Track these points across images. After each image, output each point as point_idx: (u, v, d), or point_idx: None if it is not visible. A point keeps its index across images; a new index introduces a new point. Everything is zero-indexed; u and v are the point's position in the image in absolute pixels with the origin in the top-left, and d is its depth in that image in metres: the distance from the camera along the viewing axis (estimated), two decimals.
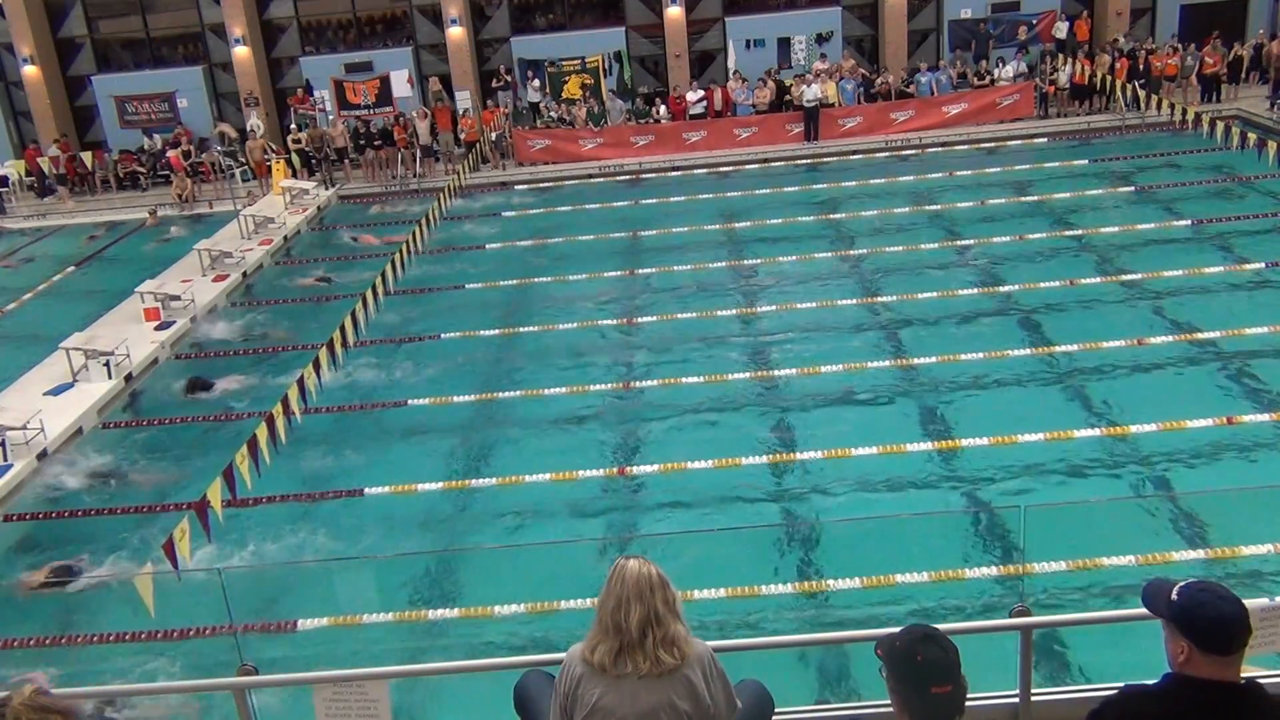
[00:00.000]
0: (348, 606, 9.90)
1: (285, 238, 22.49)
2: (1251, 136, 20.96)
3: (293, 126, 27.51)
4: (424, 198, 24.07)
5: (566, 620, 9.40)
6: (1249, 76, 25.84)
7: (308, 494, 12.17)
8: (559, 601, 9.63)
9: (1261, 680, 3.30)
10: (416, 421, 13.78)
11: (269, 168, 25.66)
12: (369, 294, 16.45)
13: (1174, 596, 3.17)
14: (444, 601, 9.97)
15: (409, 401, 14.19)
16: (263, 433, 11.66)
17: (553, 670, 4.13)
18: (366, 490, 11.97)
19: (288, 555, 10.87)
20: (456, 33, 28.26)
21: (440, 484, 12.01)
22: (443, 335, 16.41)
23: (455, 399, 14.21)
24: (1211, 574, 8.90)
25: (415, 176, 25.87)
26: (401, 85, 28.61)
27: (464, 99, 28.15)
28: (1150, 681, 3.32)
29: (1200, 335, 13.97)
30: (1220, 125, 21.69)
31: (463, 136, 26.55)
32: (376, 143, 26.20)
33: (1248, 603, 3.21)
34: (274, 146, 27.21)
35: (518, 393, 14.23)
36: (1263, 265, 16.09)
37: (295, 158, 26.52)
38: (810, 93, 25.37)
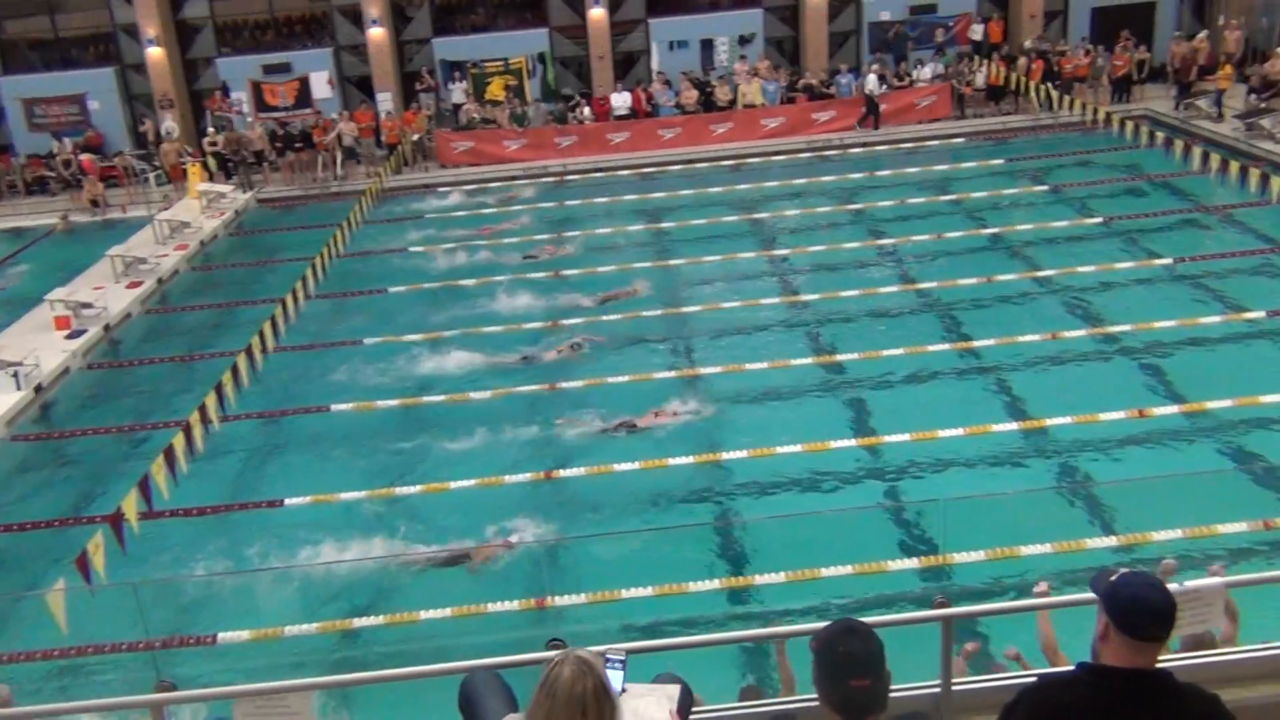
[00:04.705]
0: (270, 618, 9.73)
1: (202, 242, 22.01)
2: (1159, 136, 21.60)
3: (209, 129, 26.93)
4: (345, 200, 23.69)
5: (499, 623, 9.35)
6: (1157, 76, 26.60)
7: (227, 505, 11.93)
8: (487, 604, 9.58)
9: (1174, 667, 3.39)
10: (340, 428, 13.59)
11: (184, 171, 25.08)
12: (289, 299, 16.20)
13: (1112, 579, 3.26)
14: (370, 610, 9.84)
15: (331, 407, 13.98)
16: (180, 442, 11.41)
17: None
18: (287, 500, 11.77)
19: (207, 567, 10.65)
20: (377, 34, 27.92)
21: (364, 492, 11.85)
22: (365, 340, 16.19)
23: (379, 404, 14.03)
24: (1124, 560, 9.17)
25: (336, 179, 25.51)
26: (321, 87, 28.18)
27: (385, 101, 27.81)
28: (1067, 668, 3.39)
29: (1112, 329, 14.34)
30: (1130, 125, 22.32)
31: (384, 138, 26.24)
32: (297, 145, 25.76)
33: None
34: (190, 150, 26.60)
35: (442, 397, 14.10)
36: (1171, 260, 16.57)
37: (212, 161, 25.95)
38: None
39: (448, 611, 9.61)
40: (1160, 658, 3.29)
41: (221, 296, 19.44)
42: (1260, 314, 14.31)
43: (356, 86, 29.00)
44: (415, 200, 24.33)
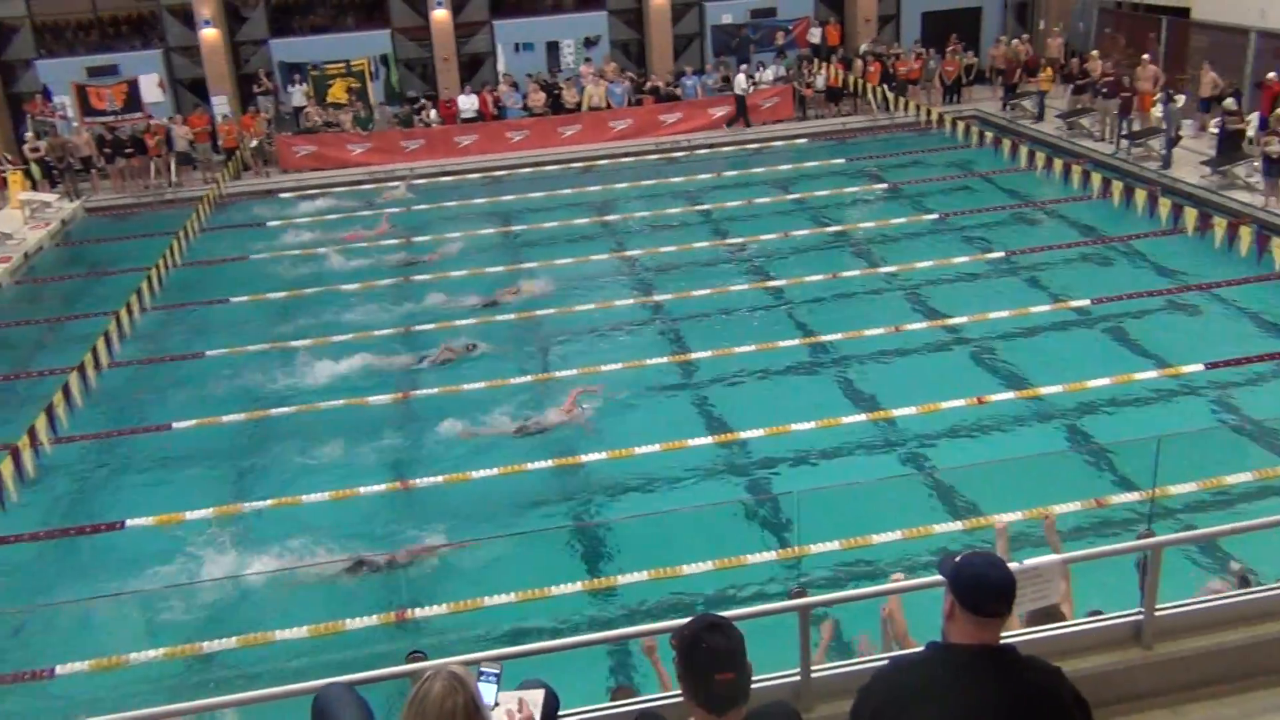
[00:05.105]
0: (113, 646, 9.26)
1: (26, 255, 20.81)
2: (988, 135, 22.65)
3: (29, 134, 25.44)
4: (181, 208, 22.72)
5: (357, 639, 9.14)
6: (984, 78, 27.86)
7: (62, 529, 11.32)
8: (345, 621, 9.34)
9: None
10: (182, 445, 13.04)
11: (4, 179, 23.66)
12: (124, 312, 15.48)
13: (957, 560, 3.38)
14: (220, 632, 9.47)
15: (172, 425, 13.40)
16: (7, 467, 10.78)
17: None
18: (128, 522, 11.24)
19: (42, 596, 10.08)
20: (210, 34, 26.90)
21: (210, 510, 11.40)
22: (207, 353, 15.60)
23: (224, 419, 13.52)
24: (971, 542, 9.56)
25: (170, 186, 24.48)
26: (152, 90, 26.97)
27: (221, 104, 26.82)
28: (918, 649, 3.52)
29: (951, 321, 14.94)
30: (960, 125, 23.34)
31: (221, 143, 25.32)
32: (127, 151, 24.61)
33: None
34: (9, 157, 25.11)
35: (290, 409, 13.68)
36: (1002, 254, 17.38)
37: (35, 168, 24.55)
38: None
39: (304, 630, 9.33)
40: (1006, 633, 3.45)
41: (49, 311, 18.44)
42: (1085, 302, 15.14)
43: (190, 89, 27.91)
44: (257, 206, 23.56)
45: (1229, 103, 19.46)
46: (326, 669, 8.04)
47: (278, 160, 25.56)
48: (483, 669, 3.57)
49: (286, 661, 9.02)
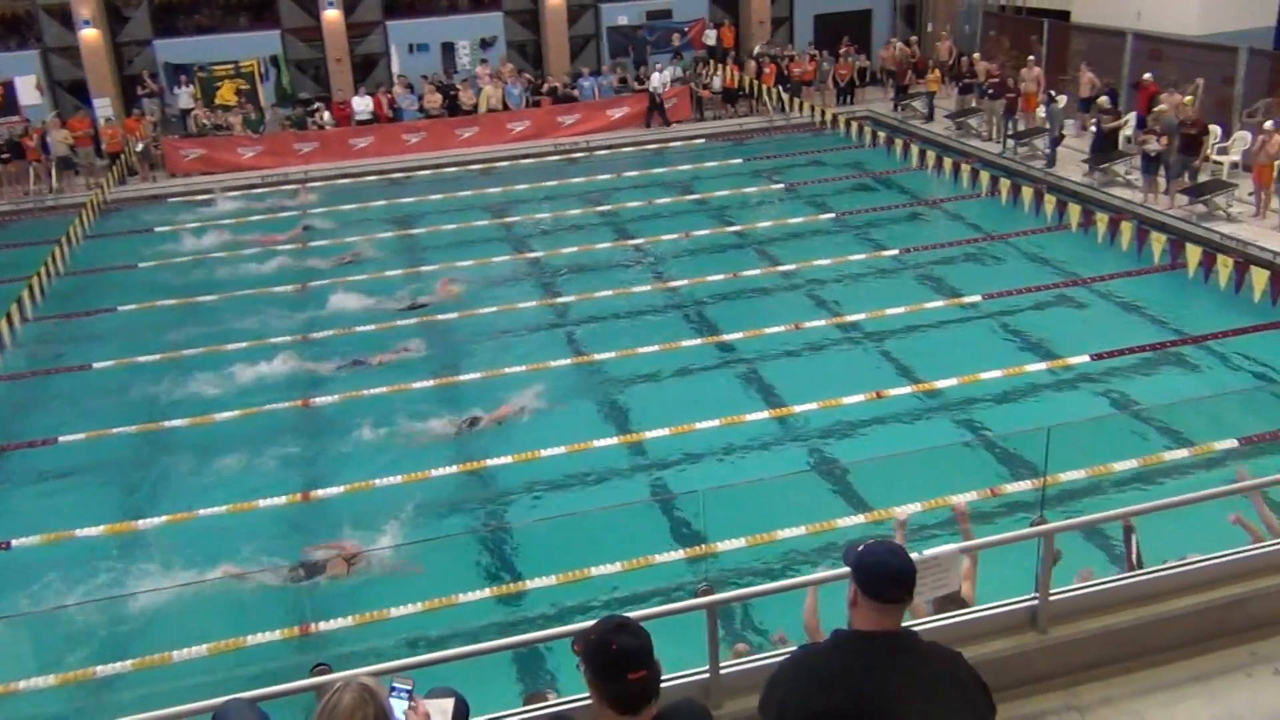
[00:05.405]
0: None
1: None
2: (881, 135, 23.14)
3: None
4: (63, 215, 21.87)
5: (259, 654, 8.93)
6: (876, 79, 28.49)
7: None
8: (245, 637, 9.12)
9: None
10: (69, 460, 12.59)
11: None
12: (3, 323, 14.88)
13: (859, 549, 3.46)
14: (115, 655, 9.16)
15: (59, 439, 12.92)
16: None
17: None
18: (14, 541, 10.81)
19: None
20: (90, 35, 25.94)
21: (102, 527, 11.03)
22: (95, 365, 15.08)
23: (114, 431, 13.09)
24: (875, 534, 9.74)
25: (51, 192, 23.57)
26: (29, 92, 25.94)
27: (104, 107, 25.89)
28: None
29: (849, 318, 15.23)
30: (854, 125, 23.80)
31: (105, 147, 24.47)
32: (3, 156, 23.61)
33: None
34: None
35: (184, 421, 13.29)
36: (897, 251, 17.77)
37: None
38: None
39: (204, 649, 9.07)
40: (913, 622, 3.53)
41: None
42: (977, 297, 15.56)
43: (70, 92, 26.88)
44: (144, 212, 22.82)
45: (1102, 101, 20.22)
46: (227, 686, 7.86)
47: (165, 164, 24.81)
48: (394, 684, 3.53)
49: (184, 680, 8.76)
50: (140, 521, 11.20)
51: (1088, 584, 5.59)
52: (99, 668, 8.96)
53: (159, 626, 9.44)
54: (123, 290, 18.06)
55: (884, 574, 3.38)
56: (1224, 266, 14.45)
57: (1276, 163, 16.51)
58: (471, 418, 12.70)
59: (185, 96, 26.19)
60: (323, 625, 9.28)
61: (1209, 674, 5.30)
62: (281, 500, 11.38)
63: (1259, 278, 13.91)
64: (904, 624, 3.54)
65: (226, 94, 26.19)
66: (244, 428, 12.98)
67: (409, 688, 3.57)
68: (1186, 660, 5.36)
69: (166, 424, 13.27)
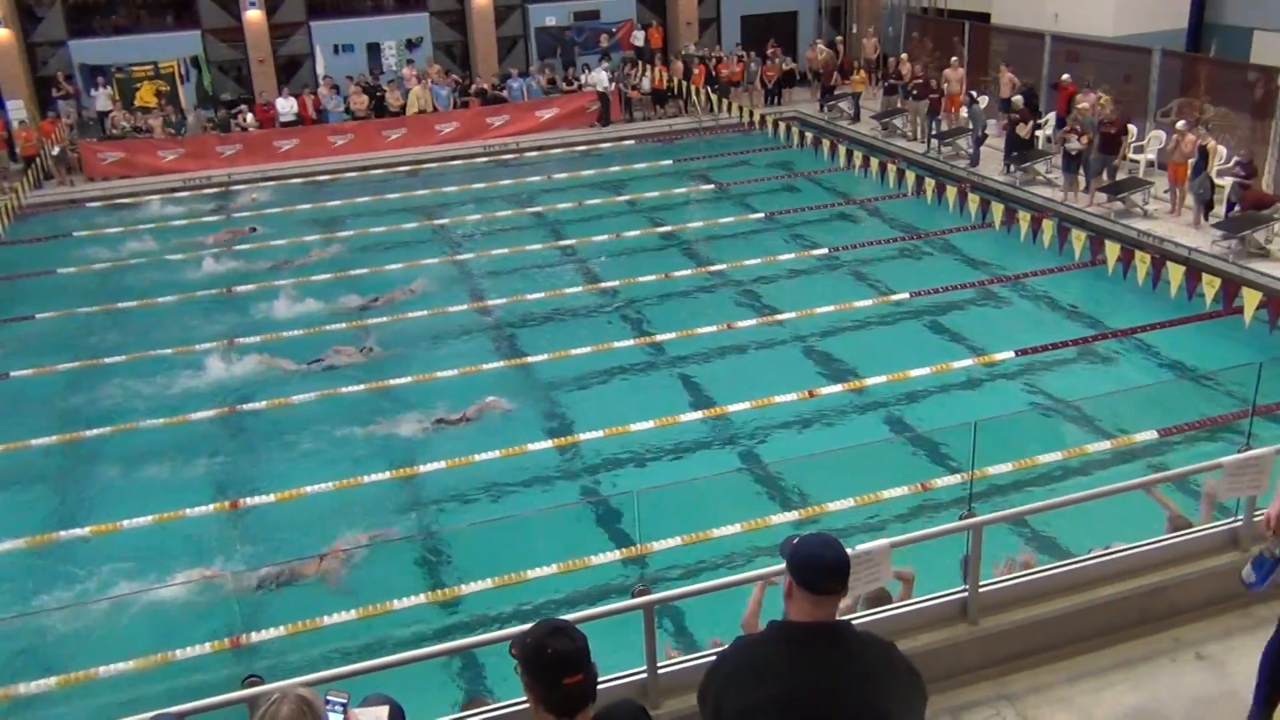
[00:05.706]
0: None
1: None
2: (808, 135, 23.38)
3: None
4: None
5: (188, 667, 8.75)
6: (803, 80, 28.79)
7: None
8: (175, 651, 8.93)
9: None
10: None
11: None
12: None
13: (795, 542, 3.50)
14: (41, 672, 8.91)
15: None
16: None
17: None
18: None
19: None
20: (2, 35, 25.22)
21: (22, 541, 10.72)
22: (12, 374, 14.65)
23: (33, 443, 12.72)
24: (806, 530, 9.82)
25: None
26: None
27: (17, 109, 25.15)
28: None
29: (780, 317, 15.36)
30: (782, 126, 24.02)
31: (19, 151, 23.78)
32: None
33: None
34: None
35: (107, 429, 12.98)
36: (826, 250, 17.97)
37: None
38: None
39: (130, 664, 8.86)
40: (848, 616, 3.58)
41: None
42: (904, 295, 15.80)
43: None
44: (62, 217, 22.22)
45: (1016, 100, 20.67)
46: (156, 700, 7.70)
47: (83, 168, 24.21)
48: (329, 698, 3.49)
49: (112, 697, 8.55)
50: (63, 532, 10.90)
51: (1016, 575, 5.71)
52: (19, 686, 8.71)
53: (80, 641, 9.20)
54: (40, 297, 17.54)
55: (818, 566, 3.42)
56: (1141, 263, 14.84)
57: (1190, 161, 17.00)
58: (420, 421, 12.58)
59: (103, 98, 25.58)
60: (254, 636, 9.12)
61: (1134, 660, 5.45)
62: (209, 508, 11.14)
63: (1175, 273, 14.31)
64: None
65: (146, 95, 25.66)
66: (167, 435, 12.70)
67: (344, 700, 3.53)
68: (1112, 647, 5.51)
69: (88, 433, 12.95)
